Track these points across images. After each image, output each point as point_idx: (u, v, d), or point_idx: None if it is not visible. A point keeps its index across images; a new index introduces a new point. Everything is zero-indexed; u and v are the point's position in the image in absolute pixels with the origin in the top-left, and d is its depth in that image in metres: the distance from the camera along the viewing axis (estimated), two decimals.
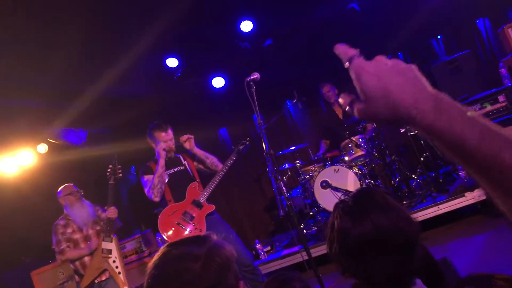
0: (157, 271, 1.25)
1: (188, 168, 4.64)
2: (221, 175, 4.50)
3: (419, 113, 0.71)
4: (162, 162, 4.36)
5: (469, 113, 0.69)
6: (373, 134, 6.16)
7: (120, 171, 4.70)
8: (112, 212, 4.53)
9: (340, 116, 6.59)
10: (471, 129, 0.67)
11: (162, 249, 1.32)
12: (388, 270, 1.30)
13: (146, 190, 4.41)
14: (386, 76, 0.76)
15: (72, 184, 4.80)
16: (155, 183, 4.31)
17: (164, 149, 4.39)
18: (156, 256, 1.30)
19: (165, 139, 4.48)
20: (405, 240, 1.30)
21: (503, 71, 4.94)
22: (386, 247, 1.29)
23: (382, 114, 0.76)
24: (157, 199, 4.35)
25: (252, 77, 3.53)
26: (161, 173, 4.33)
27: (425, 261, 1.44)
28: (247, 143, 4.74)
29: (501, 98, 4.81)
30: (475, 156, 0.66)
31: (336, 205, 1.45)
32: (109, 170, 4.66)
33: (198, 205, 4.35)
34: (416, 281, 1.34)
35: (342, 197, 5.40)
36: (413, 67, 0.78)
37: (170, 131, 4.56)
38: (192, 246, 1.27)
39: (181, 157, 4.72)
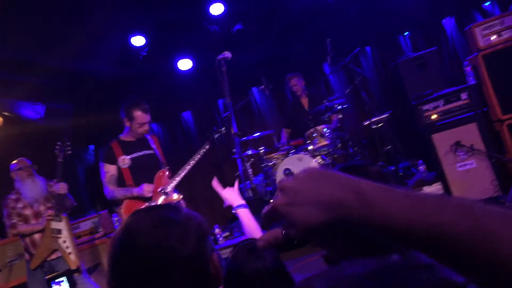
0: (129, 238, 1.11)
1: (157, 153, 4.38)
2: (192, 164, 4.32)
3: (348, 209, 0.68)
4: (136, 194, 4.08)
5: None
6: (338, 124, 6.20)
7: (69, 148, 4.51)
8: (61, 187, 4.36)
9: (306, 107, 6.60)
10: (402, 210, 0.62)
11: (132, 215, 1.17)
12: (356, 247, 1.25)
13: (104, 187, 4.15)
14: (311, 187, 0.72)
15: (25, 158, 4.61)
16: (118, 196, 4.10)
17: (149, 192, 4.08)
18: (125, 222, 1.15)
19: (143, 121, 4.14)
20: None
21: (467, 69, 5.05)
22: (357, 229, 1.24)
23: (317, 219, 0.71)
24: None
25: (223, 56, 3.45)
26: (129, 197, 4.10)
27: None
28: (222, 131, 4.57)
29: (463, 95, 4.91)
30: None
31: None
32: (57, 147, 4.47)
33: (165, 193, 4.17)
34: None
35: None
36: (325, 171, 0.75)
37: (149, 114, 4.20)
38: (167, 212, 1.15)
39: (150, 139, 4.42)
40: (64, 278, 2.32)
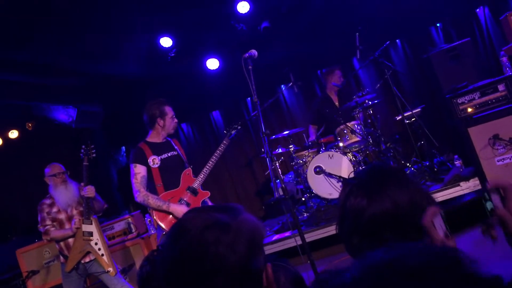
0: (178, 240, 1.07)
1: (180, 153, 4.44)
2: (214, 161, 4.33)
3: None
4: (171, 209, 4.08)
5: None
6: (368, 120, 6.08)
7: (94, 151, 4.53)
8: (89, 190, 4.39)
9: (336, 103, 6.47)
10: None
11: (186, 214, 1.16)
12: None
13: (134, 189, 4.13)
14: None
15: (59, 164, 4.65)
16: (151, 204, 4.06)
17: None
18: (177, 222, 1.14)
19: (173, 113, 4.33)
20: None
21: (504, 59, 4.85)
22: (405, 226, 1.17)
23: None
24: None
25: (249, 54, 3.41)
26: (163, 209, 4.08)
27: None
28: (238, 127, 4.56)
29: (501, 87, 4.72)
30: None
31: (347, 181, 1.32)
32: (82, 151, 4.50)
33: (193, 191, 4.22)
34: None
35: (336, 183, 5.23)
36: None
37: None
38: (222, 214, 1.10)
39: (172, 142, 4.49)
40: None
